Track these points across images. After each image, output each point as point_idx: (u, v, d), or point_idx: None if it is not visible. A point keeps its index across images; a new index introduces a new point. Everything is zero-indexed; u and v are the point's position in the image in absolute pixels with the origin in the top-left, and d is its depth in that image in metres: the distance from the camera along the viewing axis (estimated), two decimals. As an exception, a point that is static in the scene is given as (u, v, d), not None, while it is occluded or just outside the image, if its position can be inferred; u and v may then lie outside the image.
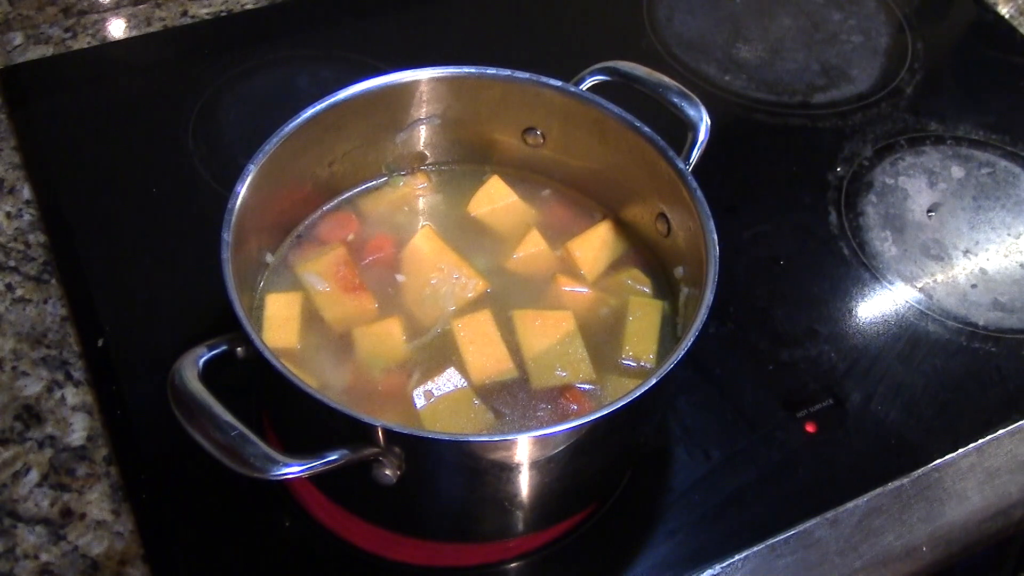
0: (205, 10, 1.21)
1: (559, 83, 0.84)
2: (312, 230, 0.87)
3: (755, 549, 0.81)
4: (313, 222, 0.88)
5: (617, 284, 0.86)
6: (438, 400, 0.76)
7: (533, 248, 0.87)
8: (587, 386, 0.78)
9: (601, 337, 0.82)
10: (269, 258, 0.84)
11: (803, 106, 1.18)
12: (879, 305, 0.98)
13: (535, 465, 0.69)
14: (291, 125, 0.78)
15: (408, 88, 0.85)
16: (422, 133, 0.89)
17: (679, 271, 0.83)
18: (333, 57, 1.16)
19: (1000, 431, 0.89)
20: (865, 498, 0.84)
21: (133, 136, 1.07)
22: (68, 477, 0.81)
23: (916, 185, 1.10)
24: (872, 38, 1.28)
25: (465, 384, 0.77)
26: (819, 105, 1.18)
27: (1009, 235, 1.06)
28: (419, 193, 0.91)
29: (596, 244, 0.87)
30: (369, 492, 0.70)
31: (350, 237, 0.87)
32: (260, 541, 0.80)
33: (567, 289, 0.84)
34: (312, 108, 0.80)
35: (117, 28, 1.18)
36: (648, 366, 0.80)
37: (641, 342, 0.81)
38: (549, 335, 0.80)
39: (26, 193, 1.00)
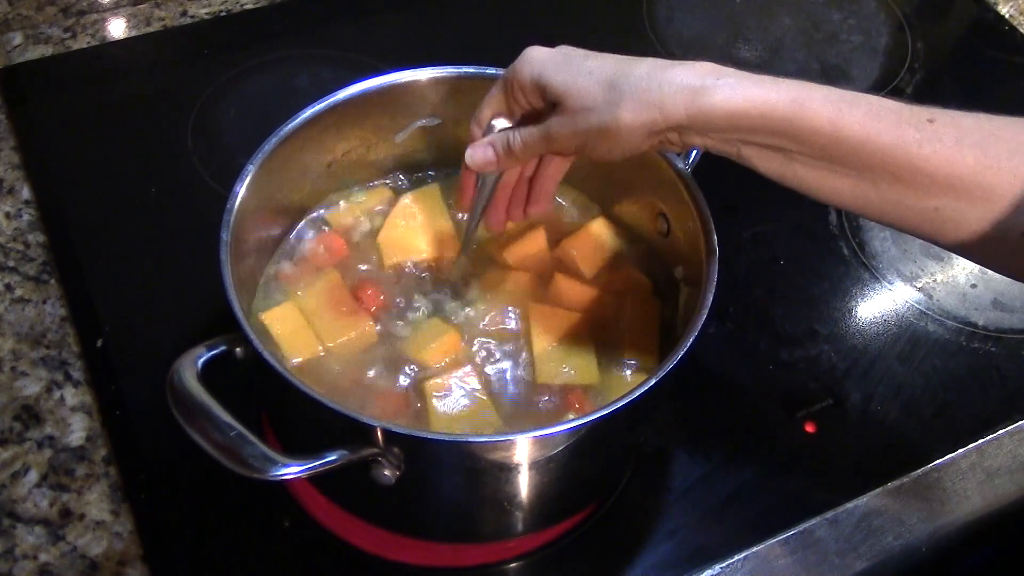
0: (205, 10, 1.21)
1: (559, 83, 0.84)
2: (304, 249, 0.85)
3: (755, 549, 0.80)
4: (307, 240, 0.86)
5: (616, 284, 0.85)
6: (438, 400, 0.76)
7: (533, 247, 0.87)
8: (587, 386, 0.78)
9: (601, 337, 0.81)
10: (269, 268, 0.84)
11: (803, 106, 1.17)
12: (879, 305, 0.98)
13: (535, 465, 0.69)
14: (290, 125, 0.78)
15: (408, 88, 0.85)
16: (422, 133, 0.89)
17: (679, 271, 0.83)
18: (333, 57, 1.16)
19: (1000, 431, 0.89)
20: (865, 498, 0.84)
21: (133, 136, 1.07)
22: (67, 477, 0.80)
23: (916, 185, 1.10)
24: (872, 38, 1.28)
25: (465, 384, 0.77)
26: (819, 105, 1.18)
27: (1009, 235, 1.06)
28: (415, 200, 0.90)
29: (595, 244, 0.87)
30: (368, 492, 0.70)
31: (344, 251, 0.86)
32: (259, 541, 0.79)
33: (567, 289, 0.84)
34: (311, 108, 0.79)
35: (117, 28, 1.18)
36: (648, 366, 0.80)
37: (641, 342, 0.81)
38: (560, 333, 0.80)
39: (26, 193, 1.00)
